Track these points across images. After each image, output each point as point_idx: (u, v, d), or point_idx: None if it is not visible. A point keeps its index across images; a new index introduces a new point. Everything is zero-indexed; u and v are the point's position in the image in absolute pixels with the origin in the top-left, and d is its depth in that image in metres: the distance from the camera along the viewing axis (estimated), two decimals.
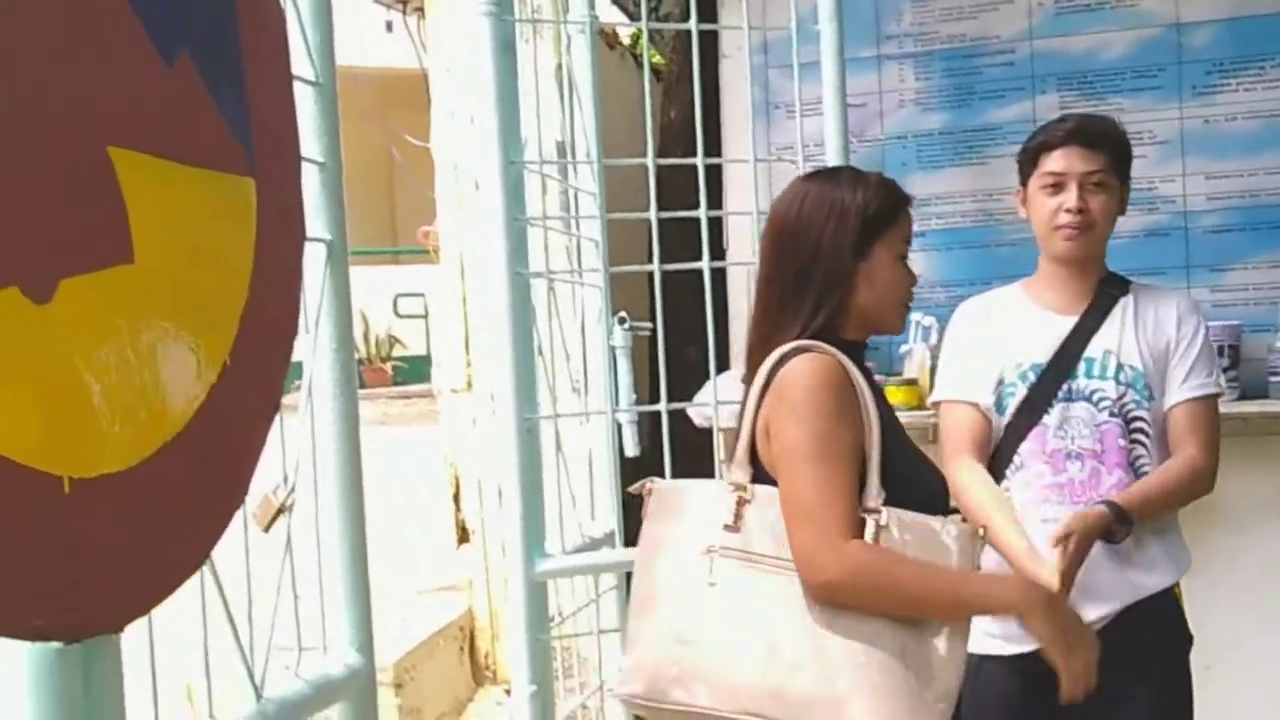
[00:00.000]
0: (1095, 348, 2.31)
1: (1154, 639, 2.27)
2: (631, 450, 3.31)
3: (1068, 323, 2.34)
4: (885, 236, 1.83)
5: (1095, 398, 2.30)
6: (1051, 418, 2.30)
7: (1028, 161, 2.37)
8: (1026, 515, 2.26)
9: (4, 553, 0.98)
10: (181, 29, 1.26)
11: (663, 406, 2.99)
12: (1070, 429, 2.29)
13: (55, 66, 1.03)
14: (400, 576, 4.56)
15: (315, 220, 1.80)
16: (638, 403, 3.29)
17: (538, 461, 2.92)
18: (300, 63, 1.78)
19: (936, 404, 2.46)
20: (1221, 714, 2.42)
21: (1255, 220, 3.32)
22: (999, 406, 2.34)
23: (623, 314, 3.32)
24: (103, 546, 1.12)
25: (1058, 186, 2.29)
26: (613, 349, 3.32)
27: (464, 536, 4.41)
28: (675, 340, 3.28)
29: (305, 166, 1.74)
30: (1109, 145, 2.32)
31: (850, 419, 1.73)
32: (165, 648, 1.40)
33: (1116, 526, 2.20)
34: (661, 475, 2.78)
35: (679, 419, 2.97)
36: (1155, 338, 2.33)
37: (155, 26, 1.17)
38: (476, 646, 4.34)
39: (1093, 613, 2.20)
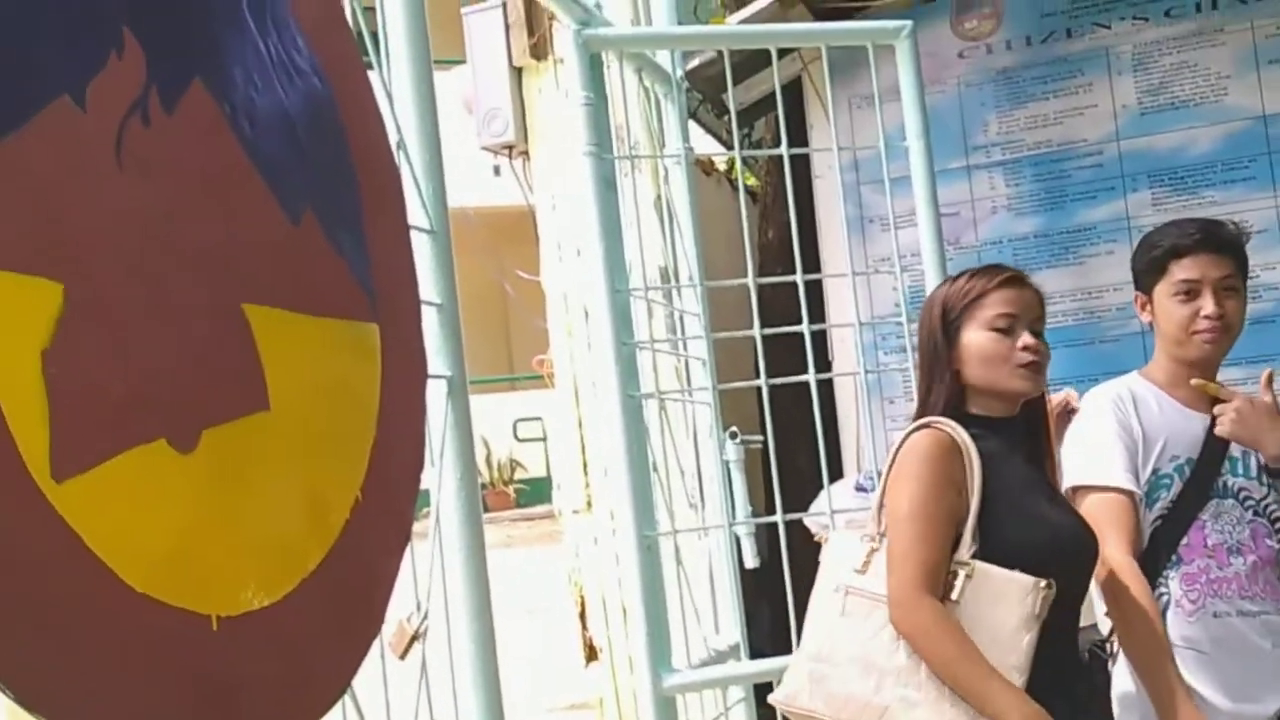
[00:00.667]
0: (1235, 446, 2.23)
1: None
2: (751, 562, 3.28)
3: (1204, 419, 2.25)
4: (971, 317, 2.03)
5: (1242, 496, 2.23)
6: (1206, 513, 2.21)
7: (1154, 269, 2.28)
8: (1201, 608, 2.18)
9: (157, 689, 1.00)
10: (305, 190, 1.32)
11: (779, 518, 2.96)
12: (1224, 524, 2.21)
13: (192, 235, 1.08)
14: (532, 696, 4.54)
15: (436, 358, 1.85)
16: (754, 514, 3.26)
17: (659, 577, 2.91)
18: (416, 213, 1.85)
19: (1074, 490, 2.27)
20: None
21: None
22: (1149, 499, 2.23)
23: (734, 429, 3.32)
24: (250, 680, 1.14)
25: (1191, 293, 2.22)
26: (726, 463, 3.31)
27: (592, 654, 4.38)
28: (788, 452, 3.26)
29: (424, 308, 1.80)
30: (1235, 249, 2.26)
31: (949, 484, 1.93)
32: None
33: None
34: (783, 586, 2.76)
35: (796, 528, 2.93)
36: None
37: (281, 190, 1.23)
38: None
39: (1275, 704, 2.17)
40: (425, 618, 1.66)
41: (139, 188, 1.03)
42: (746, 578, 3.28)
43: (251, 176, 1.20)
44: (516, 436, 11.03)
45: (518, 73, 4.50)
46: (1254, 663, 2.17)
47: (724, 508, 3.29)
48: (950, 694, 1.85)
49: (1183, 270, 2.22)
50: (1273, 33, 3.33)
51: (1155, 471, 2.23)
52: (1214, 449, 2.23)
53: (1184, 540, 2.21)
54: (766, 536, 3.19)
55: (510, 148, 4.64)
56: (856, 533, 2.11)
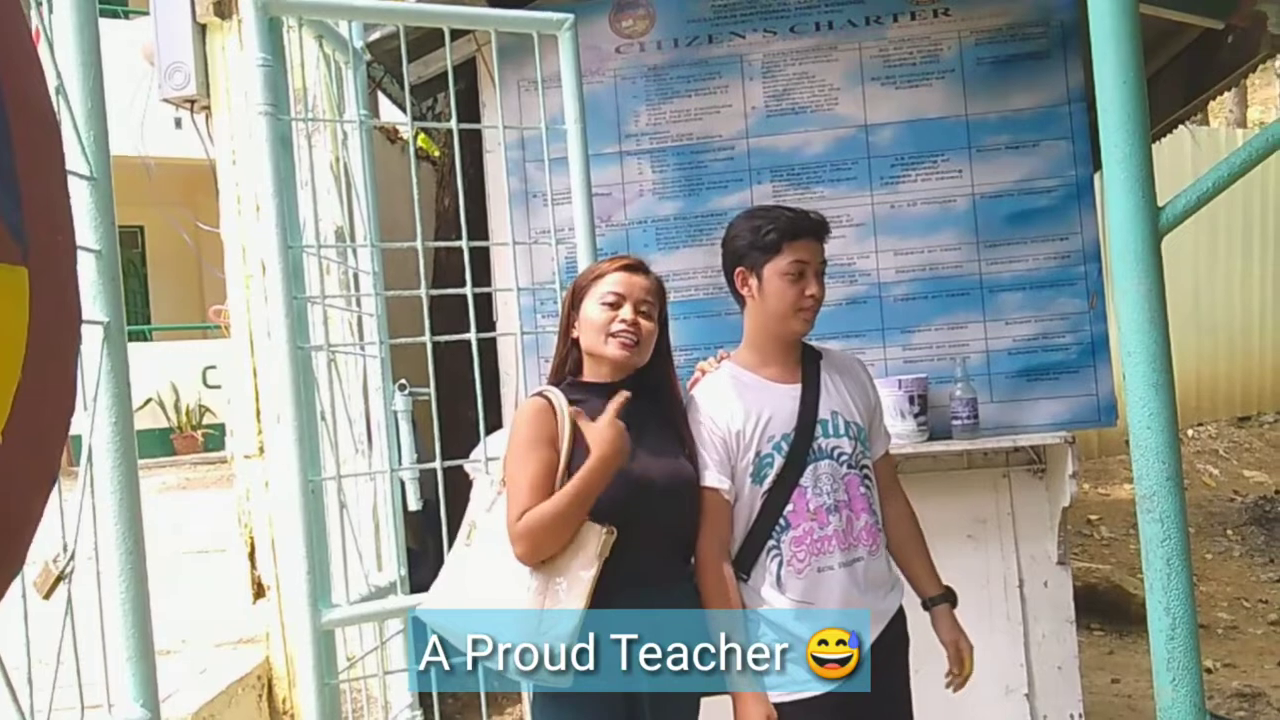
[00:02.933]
0: (824, 410, 2.33)
1: (896, 646, 2.37)
2: (414, 504, 3.28)
3: (793, 390, 2.34)
4: (588, 295, 2.27)
5: (836, 454, 2.31)
6: (806, 479, 2.28)
7: (768, 248, 2.30)
8: (806, 566, 2.26)
9: None
10: None
11: (438, 464, 2.98)
12: (822, 485, 2.28)
13: None
14: (202, 632, 4.36)
15: (93, 304, 1.73)
16: (420, 461, 3.26)
17: (322, 519, 2.85)
18: (76, 159, 1.72)
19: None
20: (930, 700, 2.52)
21: (935, 289, 3.52)
22: (758, 477, 2.28)
23: (403, 381, 3.30)
24: None
25: (801, 274, 2.28)
26: (394, 413, 3.29)
27: (260, 592, 4.26)
28: (457, 404, 3.28)
29: (82, 255, 1.68)
30: (824, 238, 2.35)
31: (545, 441, 2.14)
32: None
33: (953, 602, 2.45)
34: (440, 527, 2.78)
35: (460, 474, 2.96)
36: (860, 397, 2.40)
37: None
38: (275, 694, 4.17)
39: (877, 629, 2.30)
40: (71, 558, 1.56)
41: None
42: (410, 519, 3.27)
43: None
44: (206, 383, 10.47)
45: (202, 29, 4.26)
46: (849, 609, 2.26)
47: (390, 454, 3.26)
48: (519, 612, 2.06)
49: (794, 252, 2.28)
50: (875, 54, 3.57)
51: (758, 454, 2.28)
52: (806, 419, 2.31)
53: (789, 507, 2.27)
54: (434, 481, 3.20)
55: (193, 102, 4.38)
56: (491, 477, 2.27)
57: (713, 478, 2.28)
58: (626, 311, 2.23)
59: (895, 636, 2.36)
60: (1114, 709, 5.01)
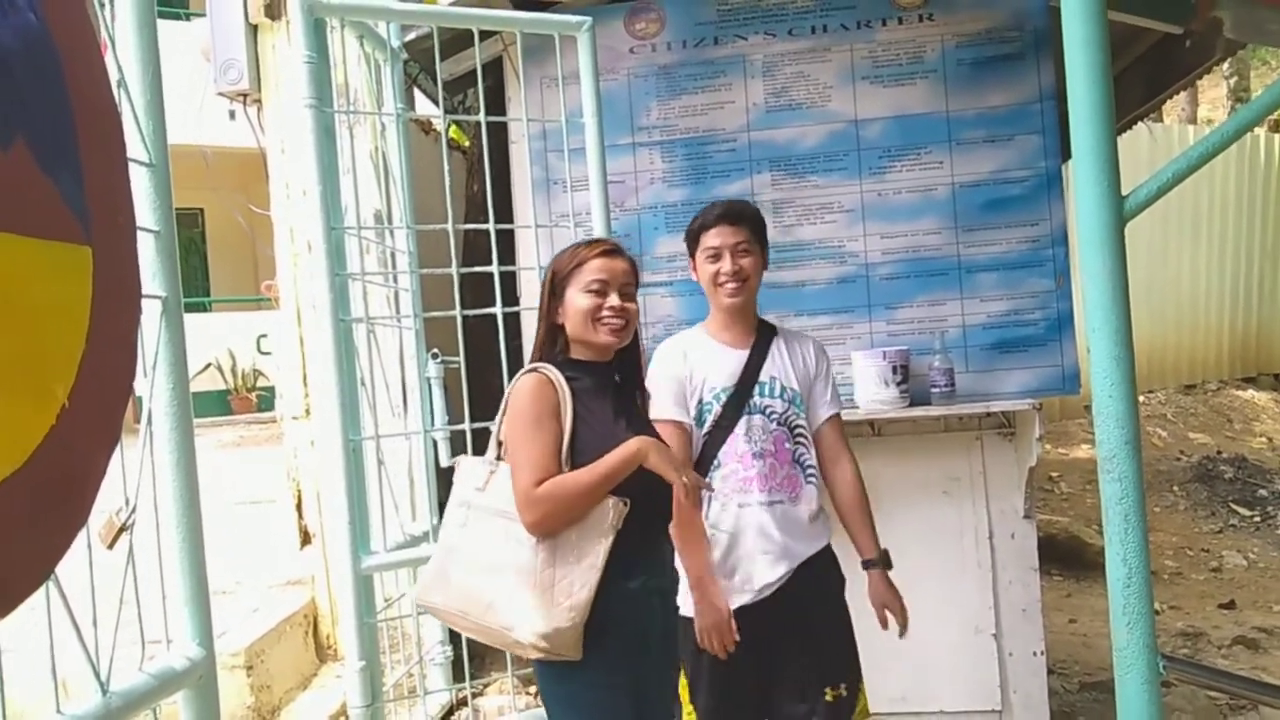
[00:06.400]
0: (765, 374, 2.47)
1: (818, 584, 2.44)
2: (446, 461, 3.26)
3: (742, 355, 2.48)
4: (572, 280, 2.08)
5: (768, 412, 2.44)
6: (740, 428, 2.42)
7: (691, 241, 2.51)
8: (729, 500, 2.40)
9: None
10: (16, 118, 1.17)
11: (466, 426, 2.97)
12: (753, 435, 2.42)
13: None
14: (253, 575, 4.37)
15: (152, 280, 1.70)
16: (450, 423, 3.24)
17: (362, 474, 2.84)
18: (136, 148, 1.68)
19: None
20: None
21: (917, 270, 3.49)
22: (699, 421, 2.44)
23: (435, 350, 3.28)
24: None
25: (716, 256, 2.44)
26: (428, 379, 3.27)
27: (306, 539, 4.25)
28: (484, 371, 3.25)
29: (142, 235, 1.65)
30: (748, 221, 2.47)
31: (550, 414, 1.98)
32: (21, 651, 1.30)
33: (888, 564, 2.48)
34: None
35: (486, 435, 2.94)
36: (803, 368, 2.51)
37: None
38: (320, 631, 4.17)
39: (782, 568, 2.39)
40: (133, 511, 1.54)
41: None
42: (442, 475, 3.25)
43: None
44: (260, 350, 10.51)
45: (254, 29, 4.21)
46: (766, 544, 2.39)
47: (424, 416, 3.24)
48: (539, 584, 1.91)
49: (709, 240, 2.46)
50: (865, 55, 3.50)
51: (700, 401, 2.45)
52: (748, 377, 2.46)
53: (724, 449, 2.42)
54: (463, 440, 3.18)
55: (245, 95, 4.34)
56: (481, 457, 2.13)
57: (677, 412, 2.43)
58: (614, 298, 2.07)
59: (822, 566, 2.45)
60: (1071, 646, 5.00)
